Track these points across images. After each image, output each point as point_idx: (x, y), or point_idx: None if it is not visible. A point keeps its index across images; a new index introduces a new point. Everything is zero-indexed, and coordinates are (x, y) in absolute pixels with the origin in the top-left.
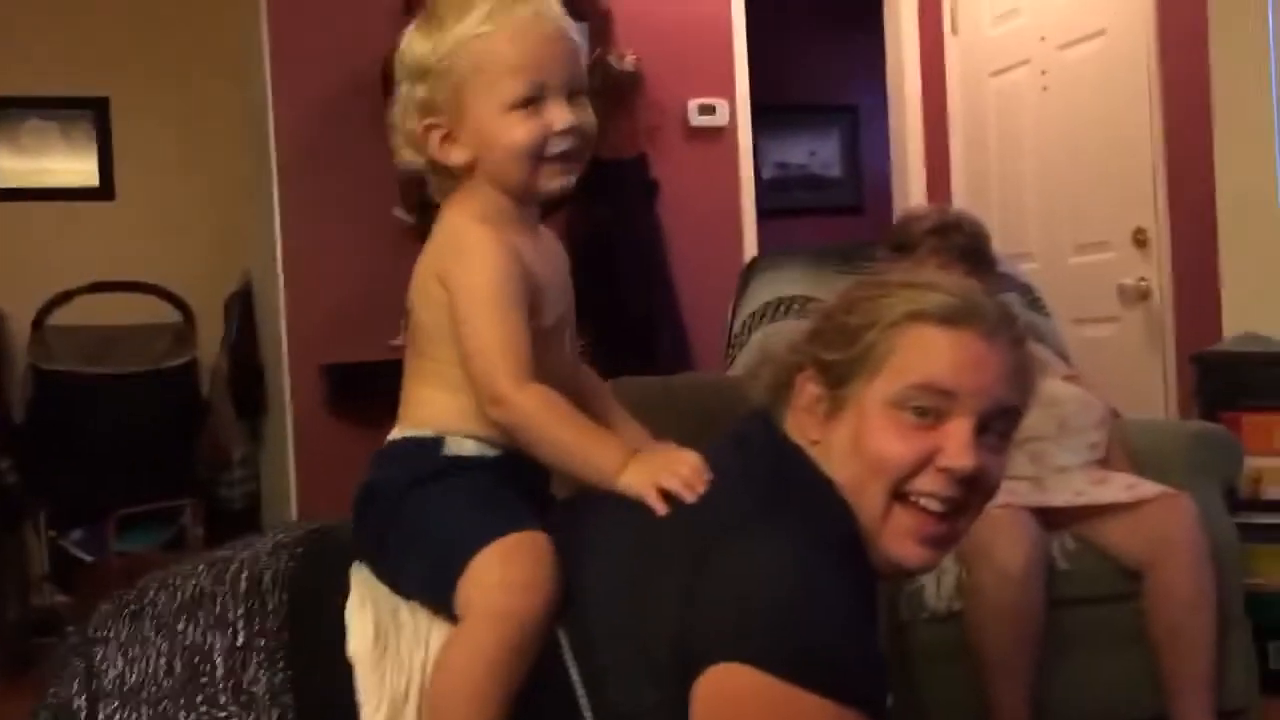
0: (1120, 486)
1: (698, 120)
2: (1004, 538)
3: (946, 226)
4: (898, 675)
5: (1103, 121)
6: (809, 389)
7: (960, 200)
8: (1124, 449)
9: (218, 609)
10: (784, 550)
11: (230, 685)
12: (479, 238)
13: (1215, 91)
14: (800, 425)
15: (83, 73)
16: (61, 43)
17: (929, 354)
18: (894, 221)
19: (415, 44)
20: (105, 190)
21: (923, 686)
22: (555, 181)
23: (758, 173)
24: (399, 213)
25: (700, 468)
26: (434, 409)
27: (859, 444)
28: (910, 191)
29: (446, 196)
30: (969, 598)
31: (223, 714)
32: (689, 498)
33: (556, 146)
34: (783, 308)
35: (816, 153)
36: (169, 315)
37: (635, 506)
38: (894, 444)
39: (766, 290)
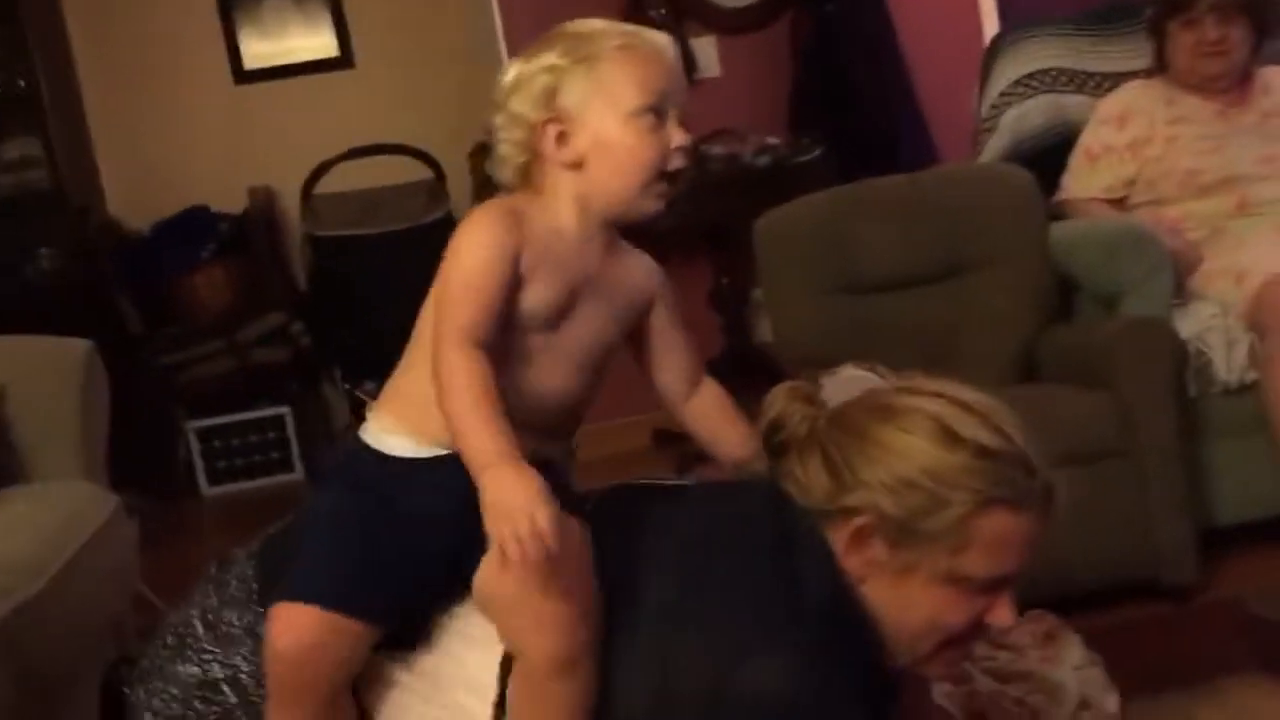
0: None
1: None
2: None
3: None
4: (1189, 454)
5: None
6: (865, 530)
7: None
8: None
9: None
10: (803, 675)
11: None
12: (478, 214)
13: None
14: (850, 564)
15: None
16: None
17: (1002, 548)
18: None
19: (533, 60)
20: (345, 60)
21: (1216, 465)
22: (656, 203)
23: None
24: None
25: (547, 534)
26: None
27: (921, 608)
28: None
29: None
30: (1264, 366)
31: None
32: (534, 553)
33: (674, 163)
34: (1034, 83)
35: None
36: (421, 173)
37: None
38: (956, 616)
39: (1013, 66)
